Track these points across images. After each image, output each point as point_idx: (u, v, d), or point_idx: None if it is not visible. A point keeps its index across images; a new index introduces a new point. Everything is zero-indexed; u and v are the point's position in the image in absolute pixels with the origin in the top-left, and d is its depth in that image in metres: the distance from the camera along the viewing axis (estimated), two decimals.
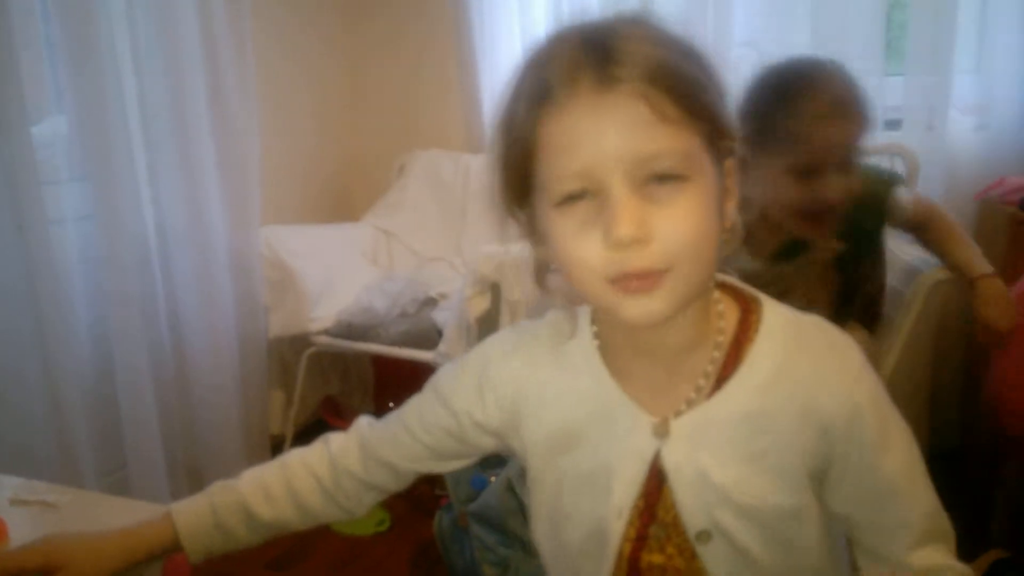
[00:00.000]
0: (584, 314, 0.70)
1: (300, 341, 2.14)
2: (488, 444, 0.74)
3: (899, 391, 2.10)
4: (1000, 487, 1.58)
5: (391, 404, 0.83)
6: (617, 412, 0.66)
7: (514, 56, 2.38)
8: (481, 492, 1.60)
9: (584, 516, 0.68)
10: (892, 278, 1.66)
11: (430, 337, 1.97)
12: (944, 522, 0.66)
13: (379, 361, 2.36)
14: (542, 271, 0.66)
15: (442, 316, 2.00)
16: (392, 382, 2.31)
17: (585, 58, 0.56)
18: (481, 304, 1.83)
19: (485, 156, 2.37)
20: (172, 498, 1.75)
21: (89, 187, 1.69)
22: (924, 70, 1.93)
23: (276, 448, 2.18)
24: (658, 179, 0.55)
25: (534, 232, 0.64)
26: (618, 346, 0.67)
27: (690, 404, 0.64)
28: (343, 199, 2.65)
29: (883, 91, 1.96)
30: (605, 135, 0.55)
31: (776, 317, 0.65)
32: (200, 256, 1.91)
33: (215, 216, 1.93)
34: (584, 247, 0.57)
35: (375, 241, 2.44)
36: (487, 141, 2.45)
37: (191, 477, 1.92)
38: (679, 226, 0.55)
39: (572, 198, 0.57)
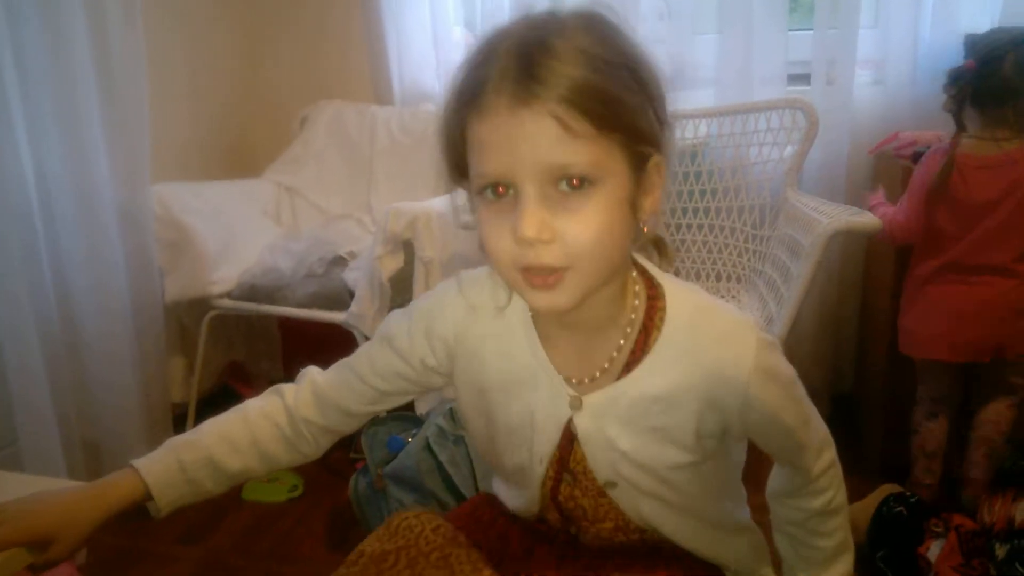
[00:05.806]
0: None
1: (200, 305, 2.03)
2: (438, 382, 0.83)
3: (802, 335, 2.19)
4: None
5: (301, 368, 0.88)
6: (541, 379, 0.76)
7: (420, 2, 2.27)
8: (397, 454, 1.58)
9: (512, 456, 0.81)
10: (792, 229, 1.71)
11: (340, 298, 1.90)
12: (826, 431, 0.79)
13: (286, 324, 2.28)
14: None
15: (352, 276, 1.94)
16: (301, 345, 2.22)
17: (512, 70, 0.60)
18: (393, 263, 1.78)
19: (394, 109, 2.32)
20: (69, 474, 1.66)
21: None
22: (829, 24, 1.95)
23: (179, 418, 2.08)
24: (568, 184, 0.61)
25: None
26: (545, 316, 0.75)
27: (603, 373, 0.74)
28: (241, 154, 2.51)
29: (788, 46, 2.00)
30: (519, 145, 0.60)
31: (678, 306, 0.72)
32: (87, 217, 1.75)
33: (101, 171, 1.77)
34: (498, 237, 0.64)
35: (277, 198, 2.33)
36: (396, 93, 2.35)
37: (88, 451, 1.80)
38: (582, 229, 0.62)
39: (491, 191, 0.64)
